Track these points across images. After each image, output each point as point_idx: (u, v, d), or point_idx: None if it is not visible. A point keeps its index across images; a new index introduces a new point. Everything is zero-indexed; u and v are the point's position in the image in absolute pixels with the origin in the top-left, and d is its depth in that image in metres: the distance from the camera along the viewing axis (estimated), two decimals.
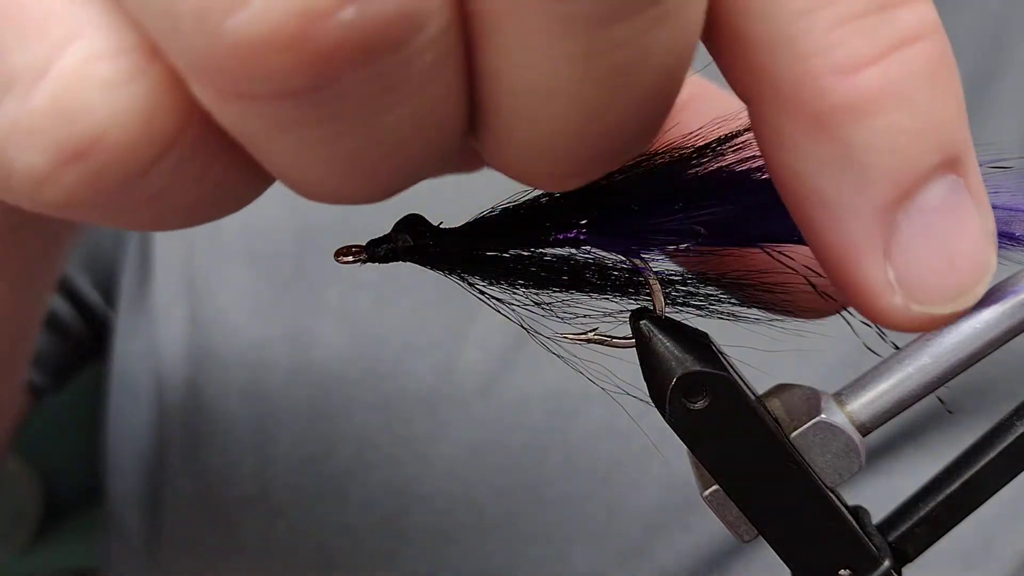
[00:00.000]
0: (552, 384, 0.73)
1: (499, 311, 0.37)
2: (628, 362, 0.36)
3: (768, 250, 0.34)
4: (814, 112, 0.25)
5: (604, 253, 0.36)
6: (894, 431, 0.70)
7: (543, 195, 0.35)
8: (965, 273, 0.27)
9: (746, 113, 0.28)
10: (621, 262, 0.37)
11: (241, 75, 0.21)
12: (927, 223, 0.26)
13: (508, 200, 0.36)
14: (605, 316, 0.37)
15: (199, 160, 0.25)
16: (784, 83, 0.25)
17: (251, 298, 0.76)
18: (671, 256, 0.35)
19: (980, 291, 0.27)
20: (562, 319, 0.37)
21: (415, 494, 0.73)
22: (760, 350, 0.38)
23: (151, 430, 0.79)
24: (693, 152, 0.33)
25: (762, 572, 0.71)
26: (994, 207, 0.29)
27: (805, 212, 0.27)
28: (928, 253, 0.26)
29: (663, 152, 0.34)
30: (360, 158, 0.24)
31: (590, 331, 0.37)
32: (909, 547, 0.37)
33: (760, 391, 0.37)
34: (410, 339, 0.74)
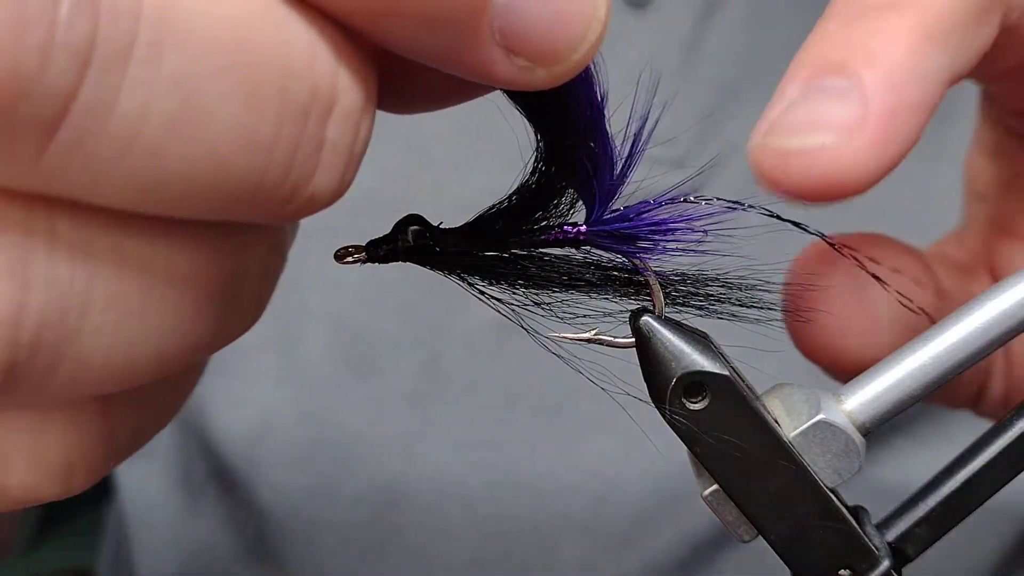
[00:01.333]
0: (538, 380, 0.73)
1: (499, 311, 0.37)
2: (625, 360, 0.36)
3: None
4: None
5: (604, 253, 0.36)
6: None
7: (541, 190, 0.35)
8: (574, 23, 0.27)
9: None
10: (621, 262, 0.37)
11: None
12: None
13: (507, 198, 0.36)
14: (605, 316, 0.37)
15: None
16: None
17: None
18: None
19: (594, 36, 0.28)
20: (562, 319, 0.37)
21: (404, 490, 0.73)
22: (760, 350, 0.38)
23: (169, 444, 0.80)
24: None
25: (750, 563, 0.71)
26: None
27: (425, 57, 0.27)
28: (532, 22, 0.27)
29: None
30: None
31: (590, 331, 0.37)
32: (909, 547, 0.37)
33: (760, 391, 0.37)
34: (395, 338, 0.75)
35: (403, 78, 0.31)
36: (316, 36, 0.26)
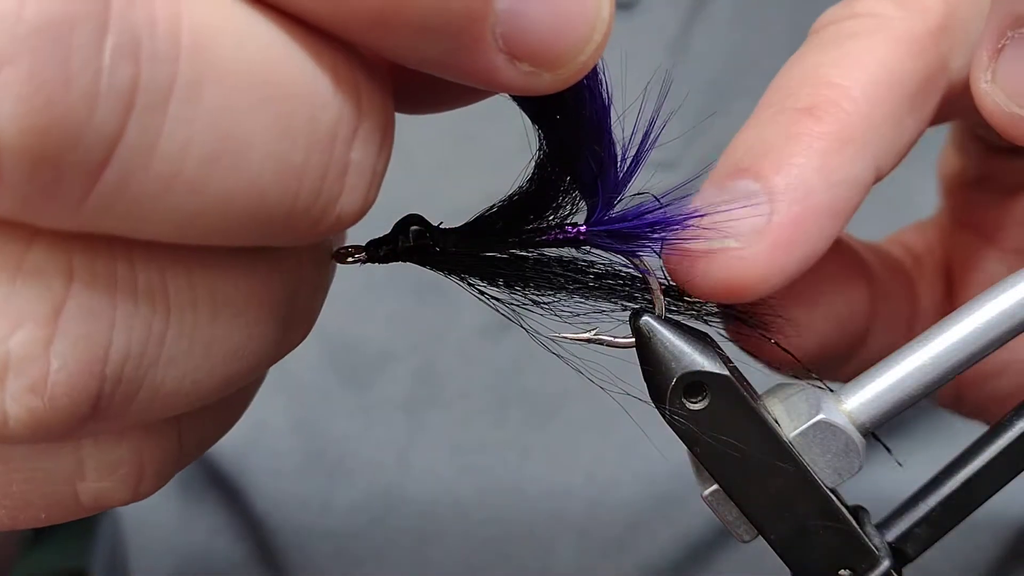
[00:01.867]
0: (531, 385, 0.73)
1: (498, 311, 0.37)
2: (624, 360, 0.36)
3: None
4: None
5: (604, 253, 0.36)
6: None
7: (543, 190, 0.35)
8: (578, 26, 0.27)
9: None
10: (621, 263, 0.37)
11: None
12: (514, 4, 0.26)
13: (508, 197, 0.35)
14: (606, 315, 0.37)
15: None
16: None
17: None
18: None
19: (599, 38, 0.28)
20: (562, 319, 0.37)
21: (398, 497, 0.73)
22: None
23: None
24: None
25: (746, 564, 0.71)
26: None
27: (428, 66, 0.28)
28: (534, 27, 0.27)
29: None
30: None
31: (590, 331, 0.37)
32: (909, 547, 0.37)
33: (760, 391, 0.37)
34: (387, 347, 0.75)
35: (410, 82, 0.31)
36: (336, 63, 0.26)
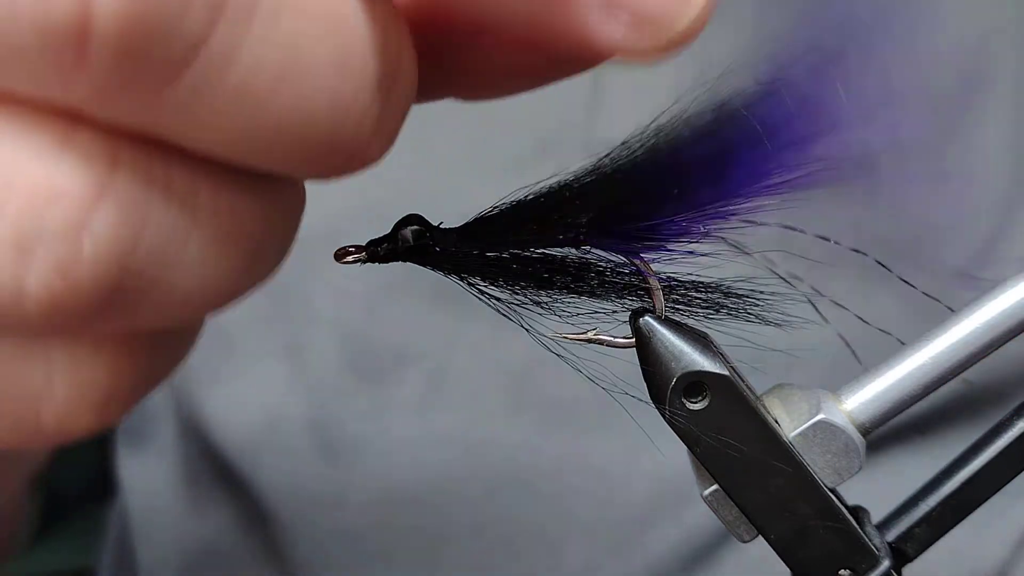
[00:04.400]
0: (542, 386, 0.73)
1: (499, 311, 0.37)
2: (625, 360, 0.36)
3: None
4: None
5: (604, 253, 0.36)
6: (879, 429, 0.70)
7: (543, 193, 0.35)
8: None
9: None
10: (622, 263, 0.37)
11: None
12: None
13: (508, 198, 0.36)
14: (607, 315, 0.37)
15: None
16: None
17: (247, 311, 0.76)
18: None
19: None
20: (562, 319, 0.37)
21: (410, 496, 0.73)
22: (760, 349, 0.38)
23: (175, 445, 0.80)
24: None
25: (753, 563, 0.71)
26: None
27: (514, 25, 0.28)
28: None
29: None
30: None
31: (590, 331, 0.37)
32: (909, 547, 0.37)
33: (760, 391, 0.37)
34: (401, 348, 0.75)
35: (475, 60, 0.31)
36: (387, 23, 0.27)
